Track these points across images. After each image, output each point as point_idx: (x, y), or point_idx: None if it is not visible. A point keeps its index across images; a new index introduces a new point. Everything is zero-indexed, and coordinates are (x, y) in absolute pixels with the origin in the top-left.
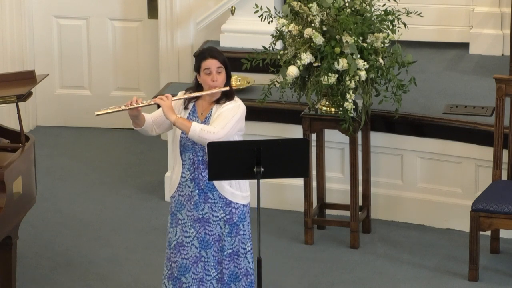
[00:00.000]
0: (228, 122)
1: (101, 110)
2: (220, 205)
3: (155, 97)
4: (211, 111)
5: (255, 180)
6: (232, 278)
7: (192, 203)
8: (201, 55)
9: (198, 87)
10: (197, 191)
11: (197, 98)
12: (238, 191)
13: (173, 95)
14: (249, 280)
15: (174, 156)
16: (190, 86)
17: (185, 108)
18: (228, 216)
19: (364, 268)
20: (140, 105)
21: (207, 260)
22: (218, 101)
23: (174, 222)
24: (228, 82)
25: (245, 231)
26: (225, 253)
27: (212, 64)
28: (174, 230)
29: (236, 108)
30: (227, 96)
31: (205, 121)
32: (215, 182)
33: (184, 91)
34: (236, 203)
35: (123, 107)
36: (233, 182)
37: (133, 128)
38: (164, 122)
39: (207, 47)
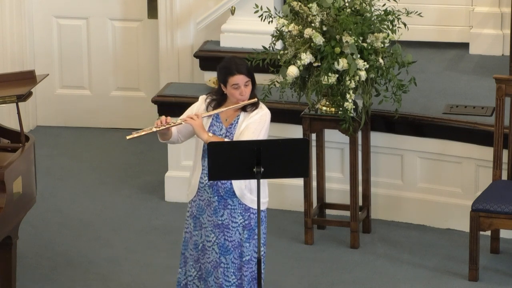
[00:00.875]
0: (258, 136)
1: (132, 134)
2: (239, 211)
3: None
4: (238, 119)
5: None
6: (250, 284)
7: (212, 208)
8: (227, 70)
9: (222, 95)
10: (216, 197)
11: (221, 105)
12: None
13: (195, 97)
14: (262, 285)
15: (195, 160)
16: (210, 91)
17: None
18: (246, 222)
19: (364, 268)
20: (171, 125)
21: (226, 266)
22: (244, 109)
23: (198, 226)
24: (253, 91)
25: (261, 236)
26: (244, 259)
27: (239, 79)
28: (199, 233)
29: (263, 117)
30: (252, 103)
31: (230, 127)
32: (236, 190)
33: (205, 96)
34: (255, 209)
35: (154, 129)
36: (254, 188)
37: (160, 141)
38: (188, 131)
39: (230, 58)
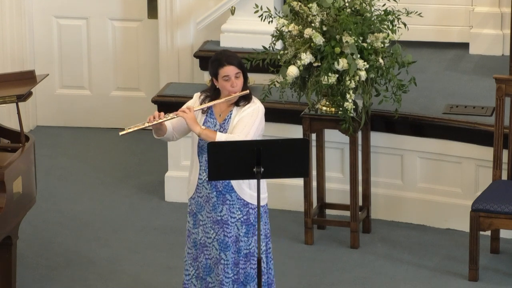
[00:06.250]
0: (250, 128)
1: (125, 130)
2: (238, 207)
3: (176, 111)
4: (231, 114)
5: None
6: (248, 279)
7: (211, 204)
8: (217, 62)
9: (215, 90)
10: (214, 192)
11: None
12: (256, 192)
13: (189, 97)
14: (263, 279)
15: (192, 158)
16: (204, 88)
17: (203, 112)
18: (245, 217)
19: (364, 268)
20: (163, 119)
21: (226, 263)
22: (237, 103)
23: (197, 223)
24: (245, 84)
25: (261, 231)
26: (241, 253)
27: (230, 70)
28: (197, 231)
29: (256, 111)
30: (245, 97)
31: (224, 123)
32: (234, 185)
33: (199, 93)
34: (254, 204)
35: (146, 124)
36: (252, 183)
37: (155, 136)
38: (183, 128)
39: (221, 51)
